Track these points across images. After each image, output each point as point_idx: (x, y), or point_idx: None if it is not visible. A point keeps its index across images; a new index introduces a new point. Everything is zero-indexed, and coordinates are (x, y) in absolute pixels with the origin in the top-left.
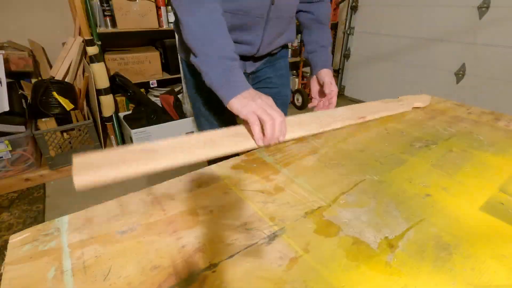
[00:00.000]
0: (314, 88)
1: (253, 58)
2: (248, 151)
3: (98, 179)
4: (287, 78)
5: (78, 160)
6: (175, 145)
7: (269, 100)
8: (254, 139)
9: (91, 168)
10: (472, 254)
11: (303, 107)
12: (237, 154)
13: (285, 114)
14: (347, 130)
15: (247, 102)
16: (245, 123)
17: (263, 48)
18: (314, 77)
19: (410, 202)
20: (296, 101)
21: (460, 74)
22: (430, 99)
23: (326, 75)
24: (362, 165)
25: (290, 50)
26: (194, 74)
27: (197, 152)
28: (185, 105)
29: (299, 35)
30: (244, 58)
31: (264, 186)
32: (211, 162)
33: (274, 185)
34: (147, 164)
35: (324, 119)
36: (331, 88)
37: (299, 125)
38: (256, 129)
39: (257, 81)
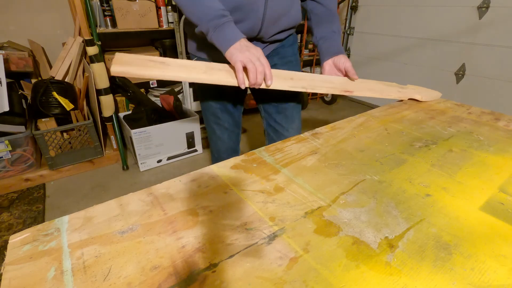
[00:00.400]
0: (331, 74)
1: (261, 41)
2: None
3: (128, 72)
4: (296, 65)
5: (117, 56)
6: (183, 64)
7: (257, 52)
8: (238, 84)
9: (123, 64)
10: (472, 254)
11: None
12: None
13: (300, 102)
14: (347, 130)
15: (236, 53)
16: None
17: (267, 27)
18: (329, 62)
19: (410, 202)
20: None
21: (460, 74)
22: (437, 97)
23: (347, 61)
24: (362, 165)
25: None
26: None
27: (198, 75)
28: (185, 105)
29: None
30: (252, 41)
31: (264, 186)
32: (213, 161)
33: (274, 185)
34: (162, 72)
35: (313, 82)
36: (355, 76)
37: (289, 80)
38: (240, 75)
39: None
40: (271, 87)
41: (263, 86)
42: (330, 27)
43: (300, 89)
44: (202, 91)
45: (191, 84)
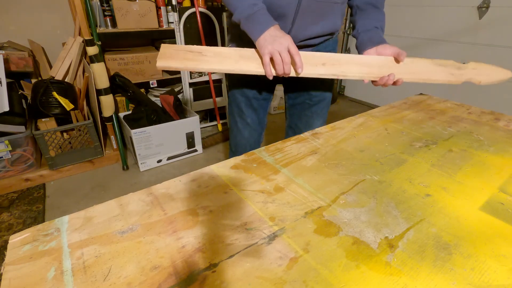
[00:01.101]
0: None
1: None
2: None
3: (170, 66)
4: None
5: (162, 50)
6: (217, 53)
7: (285, 41)
8: (266, 75)
9: (167, 58)
10: (472, 254)
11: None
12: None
13: (326, 116)
14: (347, 130)
15: (264, 44)
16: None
17: (296, 31)
18: (374, 49)
19: (410, 202)
20: None
21: None
22: (506, 78)
23: (393, 46)
24: (362, 165)
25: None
26: None
27: (231, 66)
28: (185, 105)
29: None
30: None
31: (264, 186)
32: (230, 155)
33: (274, 185)
34: (198, 64)
35: (348, 66)
36: (403, 55)
37: (320, 66)
38: (267, 68)
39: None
40: (301, 75)
41: (292, 74)
42: (372, 23)
43: (331, 76)
44: (230, 80)
45: (191, 84)
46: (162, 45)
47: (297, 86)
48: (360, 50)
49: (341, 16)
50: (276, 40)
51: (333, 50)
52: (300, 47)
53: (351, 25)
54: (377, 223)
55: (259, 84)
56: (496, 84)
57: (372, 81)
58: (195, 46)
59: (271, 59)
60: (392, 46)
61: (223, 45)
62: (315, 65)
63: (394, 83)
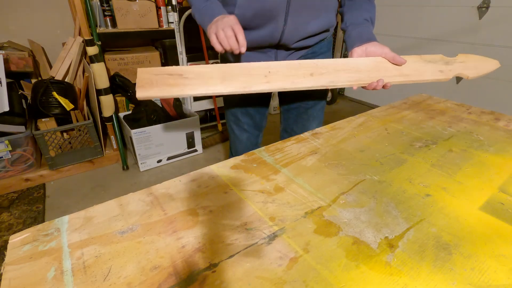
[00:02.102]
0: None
1: (284, 47)
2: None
3: (151, 96)
4: None
5: (139, 76)
6: (200, 73)
7: (229, 20)
8: (217, 50)
9: (146, 87)
10: (472, 254)
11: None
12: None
13: (322, 118)
14: (347, 130)
15: (211, 26)
16: None
17: (289, 33)
18: (358, 51)
19: (410, 202)
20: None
21: None
22: (494, 68)
23: (383, 46)
24: (362, 165)
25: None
26: None
27: (216, 87)
28: (185, 105)
29: None
30: (276, 47)
31: (264, 186)
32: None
33: (274, 185)
34: (182, 91)
35: (336, 75)
36: (400, 58)
37: (308, 76)
38: (216, 46)
39: None
40: (289, 89)
41: (236, 52)
42: (362, 14)
43: (319, 87)
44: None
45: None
46: (139, 70)
47: (292, 94)
48: (348, 45)
49: (334, 11)
50: (220, 20)
51: (328, 51)
52: (296, 49)
53: (341, 17)
54: (377, 223)
55: (253, 98)
56: (484, 75)
57: (362, 86)
58: (174, 67)
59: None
60: (382, 46)
61: None
62: (303, 76)
63: (383, 87)
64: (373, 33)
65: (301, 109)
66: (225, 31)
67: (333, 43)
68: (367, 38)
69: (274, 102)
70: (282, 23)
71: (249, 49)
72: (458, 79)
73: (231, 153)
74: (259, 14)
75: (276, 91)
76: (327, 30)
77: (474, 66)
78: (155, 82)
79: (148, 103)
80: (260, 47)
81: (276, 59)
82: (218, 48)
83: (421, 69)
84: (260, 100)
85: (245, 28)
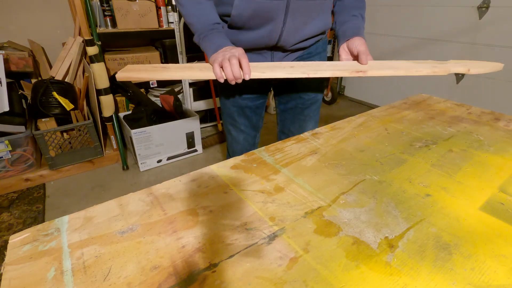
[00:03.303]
0: (344, 60)
1: (281, 49)
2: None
3: (131, 76)
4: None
5: (126, 67)
6: (181, 66)
7: (236, 51)
8: (216, 78)
9: (128, 71)
10: (472, 254)
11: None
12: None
13: (318, 118)
14: (347, 130)
15: (216, 56)
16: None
17: (287, 35)
18: (344, 46)
19: (410, 202)
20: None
21: (460, 74)
22: (497, 69)
23: (361, 44)
24: (362, 165)
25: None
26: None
27: (193, 72)
28: (185, 105)
29: None
30: (272, 48)
31: (264, 186)
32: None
33: (274, 185)
34: (161, 74)
35: (318, 66)
36: (363, 60)
37: (288, 68)
38: (216, 71)
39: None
40: (267, 76)
41: (239, 81)
42: (351, 11)
43: (300, 74)
44: (221, 91)
45: (192, 84)
46: (127, 66)
47: (288, 89)
48: (339, 43)
49: (330, 13)
50: (227, 51)
51: (323, 52)
52: (292, 51)
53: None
54: (377, 223)
55: (250, 91)
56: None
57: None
58: (160, 64)
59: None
60: (361, 42)
61: None
62: (283, 67)
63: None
64: (360, 27)
65: (298, 110)
66: (230, 60)
67: (333, 44)
68: (350, 35)
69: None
70: (280, 24)
71: (244, 49)
72: (458, 79)
73: (228, 154)
74: (257, 15)
75: (253, 78)
76: (323, 32)
77: (474, 65)
78: (137, 69)
79: (148, 103)
80: (257, 48)
81: (272, 61)
82: (220, 79)
83: (413, 65)
84: (256, 101)
85: (242, 28)
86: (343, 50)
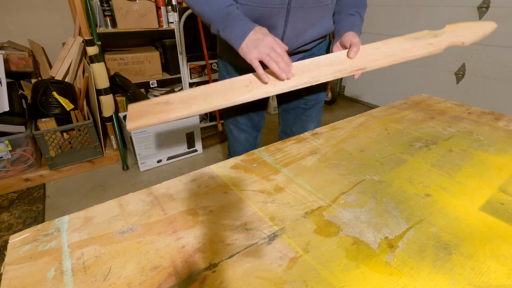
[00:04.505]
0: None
1: None
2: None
3: (141, 125)
4: None
5: (130, 111)
6: (183, 98)
7: (270, 42)
8: (263, 81)
9: (135, 119)
10: (472, 254)
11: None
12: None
13: (320, 118)
14: (347, 130)
15: (248, 51)
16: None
17: (288, 41)
18: (337, 44)
19: (410, 202)
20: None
21: (460, 74)
22: (491, 29)
23: (354, 36)
24: (362, 165)
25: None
26: (229, 74)
27: (200, 107)
28: None
29: None
30: None
31: (264, 186)
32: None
33: (274, 185)
34: (167, 116)
35: (318, 71)
36: (352, 53)
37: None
38: (260, 72)
39: None
40: (273, 93)
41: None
42: (348, 10)
43: (303, 85)
44: None
45: (191, 84)
46: (129, 106)
47: (290, 95)
48: (334, 41)
49: (331, 16)
50: (261, 42)
51: (326, 52)
52: (293, 54)
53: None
54: (377, 223)
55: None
56: (481, 39)
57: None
58: (160, 97)
59: (262, 63)
60: (354, 36)
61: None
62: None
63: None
64: (355, 25)
65: (300, 110)
66: (272, 56)
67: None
68: (343, 31)
69: (274, 102)
70: (281, 31)
71: None
72: (458, 79)
73: (229, 154)
74: (258, 22)
75: (260, 98)
76: (325, 36)
77: (468, 32)
78: (143, 113)
79: None
80: None
81: None
82: (263, 74)
83: (408, 47)
84: (258, 101)
85: None
86: (336, 47)
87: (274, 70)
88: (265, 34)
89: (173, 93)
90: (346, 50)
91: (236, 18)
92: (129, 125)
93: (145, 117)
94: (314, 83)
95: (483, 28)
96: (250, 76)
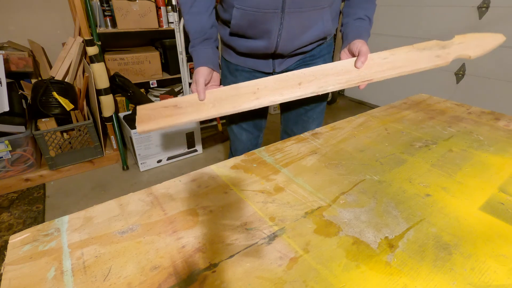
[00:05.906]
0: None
1: (281, 56)
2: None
3: (151, 129)
4: None
5: (139, 113)
6: (191, 102)
7: (195, 75)
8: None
9: (145, 122)
10: (472, 254)
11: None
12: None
13: (322, 120)
14: (347, 130)
15: (194, 74)
16: None
17: (284, 45)
18: (346, 50)
19: (410, 202)
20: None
21: (460, 74)
22: (500, 42)
23: (363, 44)
24: (362, 165)
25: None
26: (231, 73)
27: (209, 112)
28: None
29: None
30: (272, 56)
31: (264, 186)
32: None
33: (274, 185)
34: (178, 120)
35: (325, 79)
36: (359, 63)
37: (296, 86)
38: (192, 89)
39: None
40: (279, 101)
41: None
42: (357, 13)
43: (310, 95)
44: None
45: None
46: (138, 108)
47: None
48: (341, 47)
49: (332, 19)
50: (196, 73)
51: (328, 54)
52: (292, 56)
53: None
54: (377, 223)
55: None
56: (488, 53)
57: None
58: (168, 100)
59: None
60: (363, 44)
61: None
62: (291, 87)
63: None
64: (364, 30)
65: (301, 111)
66: (192, 88)
67: (333, 44)
68: (352, 37)
69: None
70: (276, 34)
71: (247, 55)
72: (458, 79)
73: (231, 153)
74: (253, 26)
75: (266, 105)
76: (324, 38)
77: (476, 44)
78: (152, 116)
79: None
80: (258, 54)
81: (273, 63)
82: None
83: (415, 58)
84: None
85: (242, 37)
86: (344, 53)
87: (193, 90)
88: (198, 71)
89: (180, 96)
90: (354, 59)
91: (205, 50)
92: (139, 128)
93: (155, 121)
94: (320, 93)
95: (491, 41)
96: (256, 82)
